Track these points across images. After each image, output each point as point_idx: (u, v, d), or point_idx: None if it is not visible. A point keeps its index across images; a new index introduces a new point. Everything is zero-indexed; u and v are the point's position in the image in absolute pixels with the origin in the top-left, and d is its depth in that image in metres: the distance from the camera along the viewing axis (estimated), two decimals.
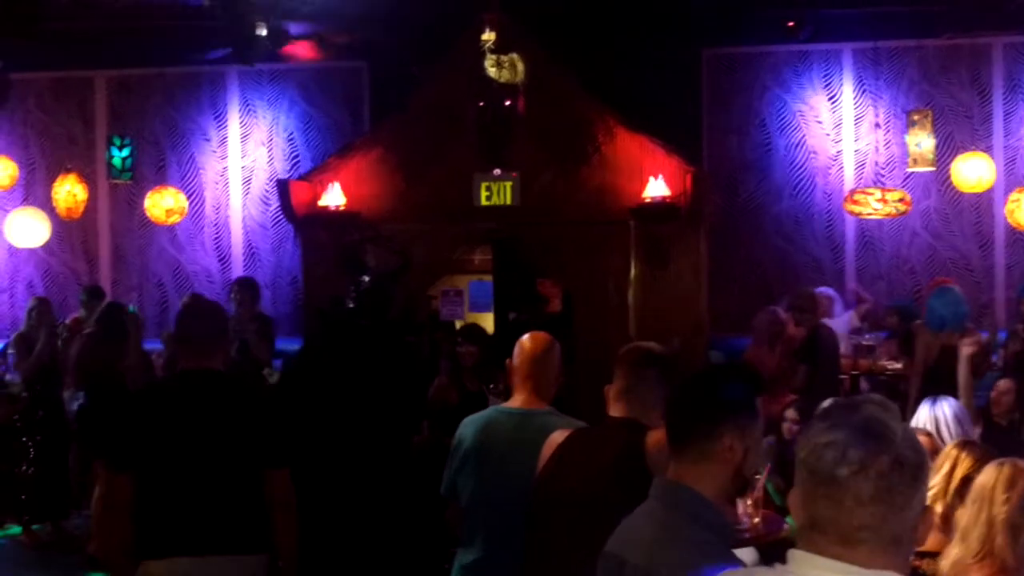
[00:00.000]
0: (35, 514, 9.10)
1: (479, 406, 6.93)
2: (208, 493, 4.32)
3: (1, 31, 8.08)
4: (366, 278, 6.39)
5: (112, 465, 4.54)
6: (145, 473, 4.35)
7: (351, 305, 6.30)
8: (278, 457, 4.48)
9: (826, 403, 2.04)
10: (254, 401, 4.65)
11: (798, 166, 11.04)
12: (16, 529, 9.12)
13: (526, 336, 4.40)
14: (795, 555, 1.95)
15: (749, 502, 4.69)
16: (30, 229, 10.63)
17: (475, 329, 7.97)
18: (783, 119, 11.08)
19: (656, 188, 9.53)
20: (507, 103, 9.62)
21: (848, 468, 1.88)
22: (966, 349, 7.29)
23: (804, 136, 11.06)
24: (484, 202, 9.96)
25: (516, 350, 4.34)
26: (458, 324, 9.82)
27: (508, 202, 9.94)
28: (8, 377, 9.47)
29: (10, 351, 9.66)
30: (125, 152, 10.69)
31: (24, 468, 9.07)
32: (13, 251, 11.64)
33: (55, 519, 9.11)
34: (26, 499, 9.03)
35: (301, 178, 10.64)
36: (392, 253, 6.45)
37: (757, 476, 4.26)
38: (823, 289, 10.16)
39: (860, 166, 10.95)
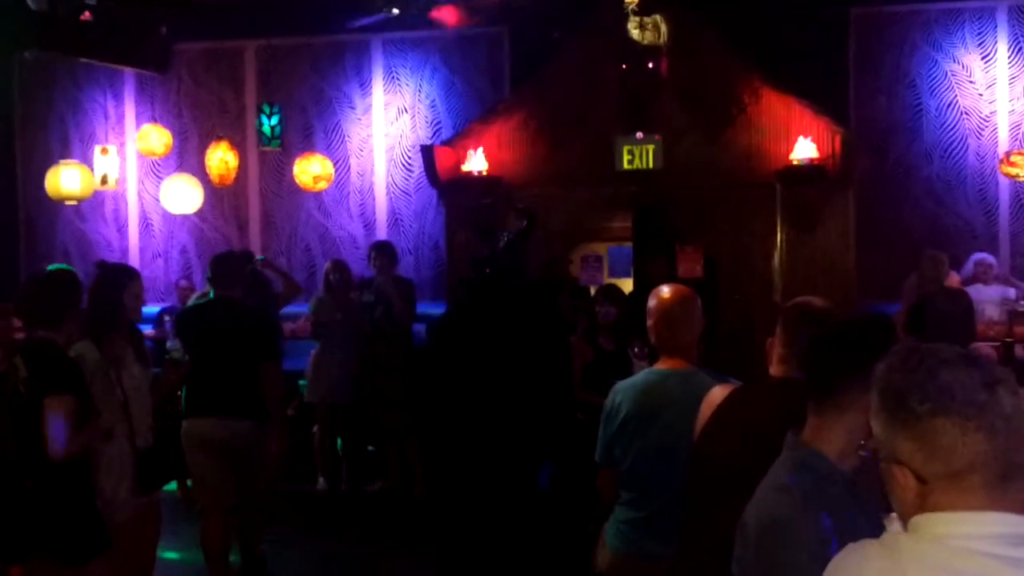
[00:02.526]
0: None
1: (615, 365, 6.98)
2: (222, 375, 6.44)
3: (160, 2, 8.32)
4: (500, 240, 6.43)
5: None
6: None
7: (487, 270, 6.34)
8: (267, 354, 6.56)
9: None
10: (254, 317, 6.73)
11: (950, 127, 10.70)
12: (172, 485, 9.36)
13: (666, 293, 4.21)
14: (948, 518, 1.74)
15: None
16: (184, 195, 10.89)
17: (614, 289, 7.95)
18: (934, 79, 10.74)
19: (804, 150, 9.38)
20: (650, 65, 9.56)
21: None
22: None
23: (956, 96, 10.69)
24: (626, 166, 9.91)
25: (655, 307, 4.18)
26: (593, 290, 9.81)
27: (650, 166, 9.87)
28: (168, 344, 9.70)
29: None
30: (274, 120, 10.89)
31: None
32: (168, 217, 11.99)
33: None
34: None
35: (444, 144, 10.74)
36: (517, 213, 6.47)
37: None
38: (981, 255, 9.85)
39: (1015, 127, 10.56)
